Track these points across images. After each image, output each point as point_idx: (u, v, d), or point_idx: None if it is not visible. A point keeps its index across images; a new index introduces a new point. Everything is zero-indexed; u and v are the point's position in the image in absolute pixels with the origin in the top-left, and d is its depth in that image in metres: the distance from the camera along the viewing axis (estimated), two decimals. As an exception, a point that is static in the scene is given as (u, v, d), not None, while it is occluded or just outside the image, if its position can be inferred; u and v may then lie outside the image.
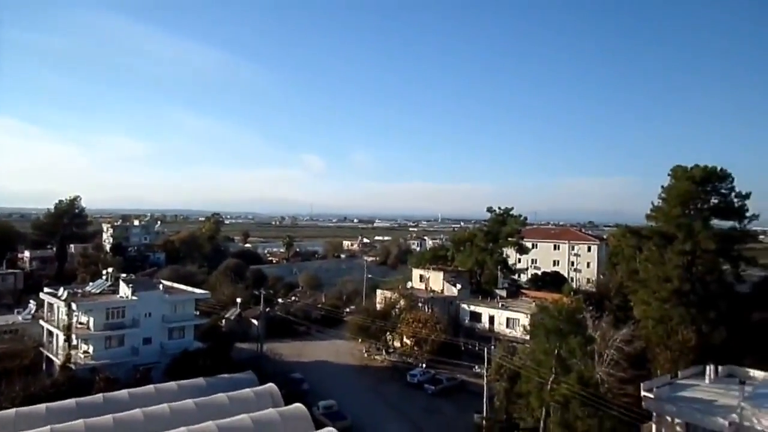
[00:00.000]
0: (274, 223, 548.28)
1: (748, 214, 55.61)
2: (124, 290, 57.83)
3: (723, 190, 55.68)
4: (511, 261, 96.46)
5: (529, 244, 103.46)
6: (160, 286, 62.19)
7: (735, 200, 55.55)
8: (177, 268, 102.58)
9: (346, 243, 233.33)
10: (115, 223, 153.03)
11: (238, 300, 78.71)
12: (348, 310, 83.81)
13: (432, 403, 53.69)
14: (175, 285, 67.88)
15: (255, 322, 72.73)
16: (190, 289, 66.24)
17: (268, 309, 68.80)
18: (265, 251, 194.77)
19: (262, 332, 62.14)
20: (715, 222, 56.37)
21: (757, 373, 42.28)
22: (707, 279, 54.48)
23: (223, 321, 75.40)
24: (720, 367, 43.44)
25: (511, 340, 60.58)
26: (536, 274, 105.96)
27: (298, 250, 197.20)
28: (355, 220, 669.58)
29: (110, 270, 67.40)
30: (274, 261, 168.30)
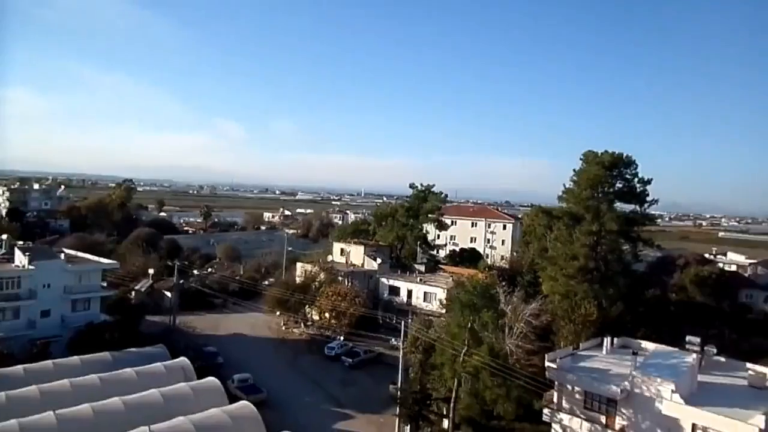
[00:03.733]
0: (191, 192, 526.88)
1: (648, 199, 59.68)
2: (20, 259, 53.47)
3: (628, 176, 59.25)
4: (430, 237, 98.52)
5: (448, 221, 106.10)
6: (62, 255, 58.07)
7: (638, 185, 59.36)
8: (83, 236, 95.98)
9: (267, 215, 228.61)
10: (12, 186, 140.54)
11: (150, 271, 75.15)
12: (267, 282, 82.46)
13: (349, 375, 54.29)
14: (80, 254, 63.56)
15: (168, 294, 69.88)
16: (96, 258, 62.28)
17: (182, 281, 66.29)
18: (181, 221, 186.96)
19: (176, 305, 59.88)
20: (619, 205, 60.06)
21: (647, 345, 45.97)
22: (609, 258, 58.33)
23: (133, 293, 71.79)
24: (616, 339, 46.77)
25: (428, 313, 62.13)
26: (454, 250, 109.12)
27: (216, 220, 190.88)
28: (277, 192, 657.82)
29: (5, 237, 61.98)
30: (190, 231, 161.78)
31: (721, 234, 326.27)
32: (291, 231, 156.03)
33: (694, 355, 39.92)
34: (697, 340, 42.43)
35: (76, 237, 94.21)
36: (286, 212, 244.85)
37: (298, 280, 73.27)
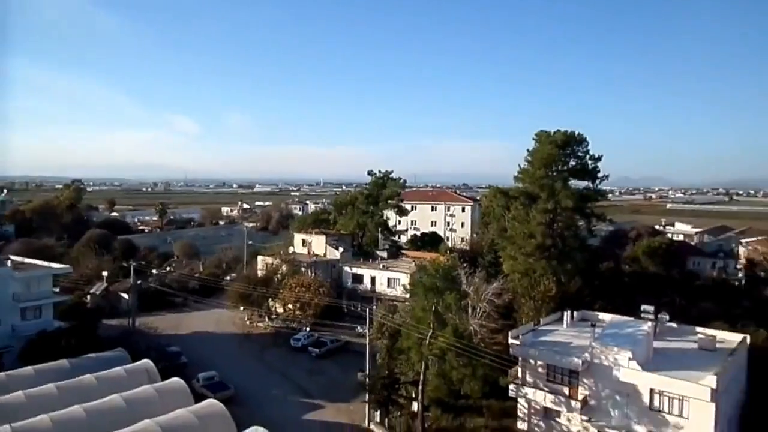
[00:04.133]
0: (145, 189, 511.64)
1: (599, 175, 61.38)
2: (-37, 268, 50.75)
3: (580, 153, 60.72)
4: (391, 223, 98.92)
5: (408, 206, 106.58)
6: (9, 262, 55.46)
7: (589, 162, 60.96)
8: (30, 241, 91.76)
9: (224, 209, 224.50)
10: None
11: (105, 273, 72.69)
12: (228, 278, 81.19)
13: (317, 365, 54.19)
14: (27, 260, 60.85)
15: (125, 296, 67.92)
16: (46, 264, 59.76)
17: (140, 281, 64.37)
18: (136, 220, 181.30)
19: (134, 306, 58.27)
20: (573, 182, 61.55)
21: (604, 316, 47.64)
22: (565, 234, 59.87)
23: (89, 297, 69.37)
24: (575, 313, 48.29)
25: (392, 299, 62.54)
26: (415, 235, 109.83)
27: (172, 217, 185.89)
28: (234, 185, 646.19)
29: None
30: (146, 230, 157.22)
31: (669, 206, 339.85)
32: (250, 224, 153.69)
33: (649, 323, 41.61)
34: (651, 308, 44.29)
35: (22, 242, 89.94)
36: (245, 205, 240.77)
37: (260, 273, 72.37)
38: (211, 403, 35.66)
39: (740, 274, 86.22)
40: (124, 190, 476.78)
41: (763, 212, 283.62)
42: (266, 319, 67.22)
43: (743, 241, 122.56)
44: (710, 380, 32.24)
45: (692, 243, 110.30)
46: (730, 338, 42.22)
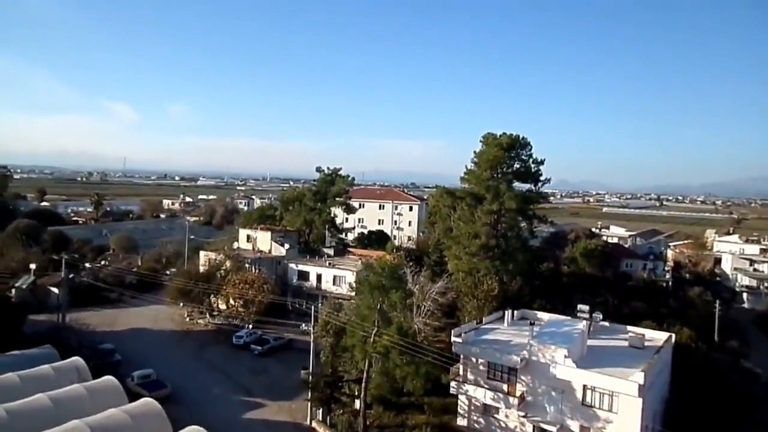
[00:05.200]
0: (80, 179, 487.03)
1: (542, 178, 63.43)
2: None
3: (524, 156, 62.52)
4: (338, 220, 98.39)
5: (356, 204, 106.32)
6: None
7: (532, 166, 62.84)
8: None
9: (166, 202, 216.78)
10: None
11: (32, 266, 68.68)
12: (168, 273, 78.56)
13: (259, 363, 53.29)
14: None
15: (55, 290, 64.49)
16: (-34, 255, 55.91)
17: (71, 275, 61.32)
18: (69, 211, 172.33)
19: (65, 301, 55.45)
20: (516, 185, 63.28)
21: (543, 315, 49.28)
22: (509, 235, 61.49)
23: (13, 291, 65.35)
24: (516, 312, 49.71)
25: (338, 297, 62.15)
26: (362, 232, 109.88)
27: (109, 209, 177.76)
28: (177, 178, 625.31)
29: None
30: (79, 222, 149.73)
31: (605, 209, 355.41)
32: (193, 218, 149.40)
33: (584, 322, 43.35)
34: (586, 308, 46.16)
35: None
36: (188, 199, 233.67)
37: (202, 269, 70.46)
38: (146, 402, 34.45)
39: (668, 276, 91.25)
40: (55, 179, 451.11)
41: (689, 217, 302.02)
42: (207, 316, 65.49)
43: (671, 244, 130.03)
44: (638, 377, 33.91)
45: (626, 245, 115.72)
46: (658, 336, 44.62)
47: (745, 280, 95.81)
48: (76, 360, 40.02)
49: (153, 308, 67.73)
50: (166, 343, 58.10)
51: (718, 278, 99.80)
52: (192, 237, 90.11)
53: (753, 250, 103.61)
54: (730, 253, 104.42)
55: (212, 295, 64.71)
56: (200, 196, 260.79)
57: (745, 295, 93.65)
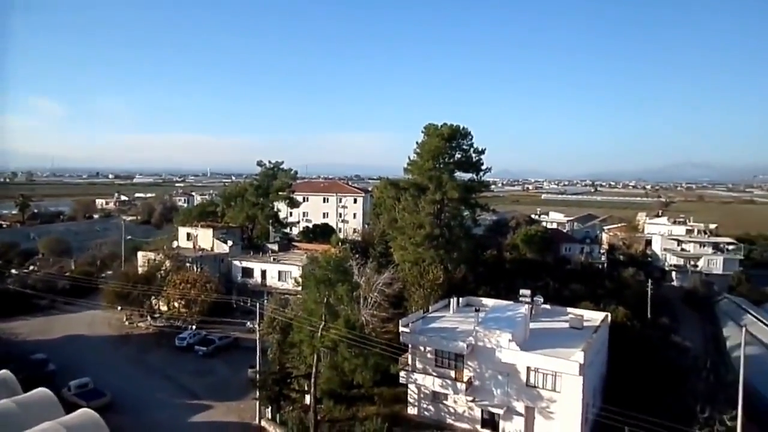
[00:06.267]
0: (2, 180, 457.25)
1: (483, 167, 64.63)
2: None
3: (465, 146, 63.47)
4: (282, 215, 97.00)
5: (300, 198, 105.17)
6: None
7: (474, 155, 63.91)
8: None
9: (99, 201, 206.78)
10: None
11: (-48, 275, 64.16)
12: (104, 276, 75.07)
13: (204, 364, 51.93)
14: None
15: (-22, 299, 60.39)
16: None
17: (-4, 283, 57.57)
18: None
19: (-11, 311, 51.93)
20: (458, 174, 64.20)
21: (488, 301, 50.41)
22: (452, 224, 62.43)
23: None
24: (461, 299, 50.61)
25: (284, 292, 61.49)
26: (307, 226, 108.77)
27: (36, 211, 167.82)
28: (111, 176, 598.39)
29: None
30: (3, 225, 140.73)
31: (544, 196, 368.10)
32: (129, 218, 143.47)
33: (526, 306, 44.63)
34: (528, 292, 47.55)
35: None
36: (123, 197, 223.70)
37: (140, 270, 67.71)
38: (83, 412, 32.92)
39: (603, 258, 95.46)
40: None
41: (621, 201, 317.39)
42: (148, 318, 63.12)
43: (606, 227, 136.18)
44: (578, 356, 35.29)
45: (564, 230, 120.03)
46: (595, 316, 46.61)
47: (674, 260, 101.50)
48: (4, 373, 37.63)
49: (89, 314, 64.74)
50: (104, 349, 55.66)
51: (649, 259, 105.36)
52: (129, 237, 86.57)
53: (680, 231, 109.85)
54: (660, 234, 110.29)
55: (152, 297, 62.46)
56: (137, 195, 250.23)
57: (674, 273, 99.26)
